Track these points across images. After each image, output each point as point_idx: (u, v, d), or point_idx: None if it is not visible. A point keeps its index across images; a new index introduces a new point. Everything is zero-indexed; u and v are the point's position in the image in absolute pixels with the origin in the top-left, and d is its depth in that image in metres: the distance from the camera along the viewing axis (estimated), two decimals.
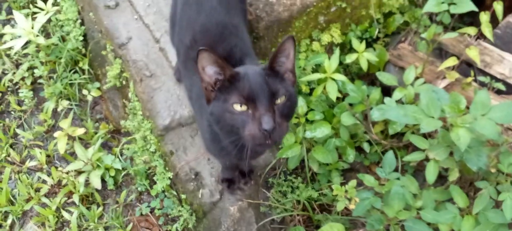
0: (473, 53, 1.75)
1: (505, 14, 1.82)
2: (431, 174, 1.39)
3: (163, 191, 2.02)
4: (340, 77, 1.76)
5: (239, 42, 1.52)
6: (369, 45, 2.11)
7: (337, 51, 1.80)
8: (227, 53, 1.46)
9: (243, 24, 1.66)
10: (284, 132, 1.20)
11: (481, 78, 1.86)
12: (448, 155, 1.39)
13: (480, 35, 1.83)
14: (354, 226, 1.79)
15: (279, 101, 1.20)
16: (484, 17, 1.74)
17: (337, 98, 1.83)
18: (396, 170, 1.58)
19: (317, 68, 1.99)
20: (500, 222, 1.33)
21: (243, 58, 1.47)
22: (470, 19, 2.17)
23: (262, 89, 1.17)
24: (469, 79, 1.79)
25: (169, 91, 2.03)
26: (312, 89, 1.97)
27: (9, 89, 2.54)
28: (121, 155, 2.22)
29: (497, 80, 1.85)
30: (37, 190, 2.17)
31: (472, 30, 1.75)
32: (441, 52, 2.03)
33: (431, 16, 1.96)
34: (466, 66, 1.95)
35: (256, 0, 1.87)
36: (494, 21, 1.80)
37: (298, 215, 1.85)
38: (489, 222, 1.36)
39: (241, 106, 1.18)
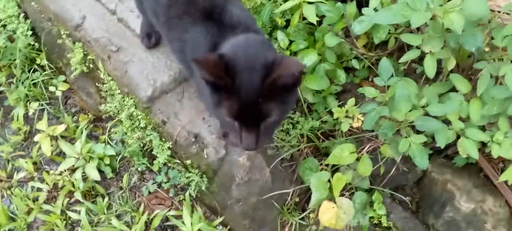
0: None
1: None
2: (430, 68, 1.38)
3: (165, 164, 1.97)
4: None
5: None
6: None
7: None
8: (210, 1, 1.35)
9: None
10: (265, 143, 1.19)
11: None
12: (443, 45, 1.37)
13: None
14: (361, 143, 1.80)
15: (269, 120, 1.15)
16: None
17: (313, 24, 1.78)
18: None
19: None
20: (505, 96, 1.35)
21: (226, 5, 1.36)
22: None
23: (251, 111, 1.11)
24: None
25: (142, 61, 1.92)
26: (287, 21, 1.89)
27: None
28: (111, 141, 2.14)
29: None
30: (35, 199, 2.08)
31: None
32: None
33: None
34: None
35: None
36: None
37: (305, 148, 1.85)
38: (494, 100, 1.38)
39: (229, 118, 1.15)
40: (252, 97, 1.09)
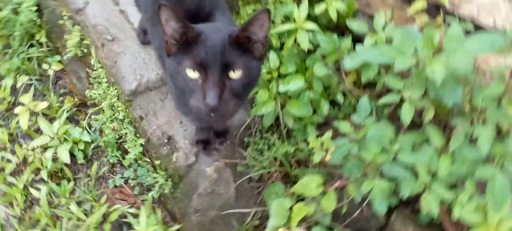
0: None
1: None
2: (406, 114, 1.37)
3: (136, 160, 1.95)
4: (311, 26, 1.71)
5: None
6: None
7: (305, 0, 1.75)
8: (196, 4, 1.38)
9: None
10: (231, 111, 1.15)
11: (450, 20, 1.84)
12: (423, 93, 1.36)
13: None
14: (331, 177, 1.78)
15: (234, 75, 1.13)
16: None
17: (309, 51, 1.79)
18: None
19: (287, 21, 1.92)
20: (476, 158, 1.33)
21: (213, 10, 1.39)
22: None
23: (216, 58, 1.10)
24: (439, 19, 1.77)
25: (134, 55, 1.93)
26: (283, 44, 1.91)
27: None
28: (90, 128, 2.13)
29: (466, 21, 1.84)
30: (2, 170, 2.06)
31: None
32: None
33: None
34: (436, 11, 1.94)
35: None
36: None
37: (275, 171, 1.82)
38: (465, 159, 1.36)
39: (193, 72, 1.12)
40: (219, 43, 1.11)
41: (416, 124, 1.61)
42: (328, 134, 1.63)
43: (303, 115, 1.73)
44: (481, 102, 1.33)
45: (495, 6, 1.72)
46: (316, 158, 1.62)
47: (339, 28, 2.12)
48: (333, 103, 1.91)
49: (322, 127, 1.91)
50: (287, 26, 1.72)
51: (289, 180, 1.86)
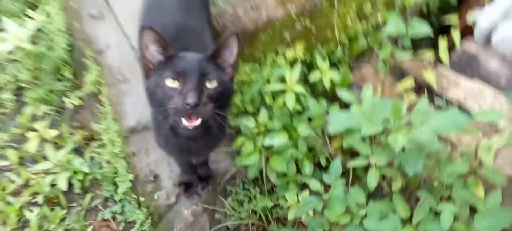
0: (429, 76, 1.79)
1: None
2: (372, 179, 1.38)
3: (125, 194, 2.01)
4: (300, 89, 1.78)
5: (197, 44, 1.56)
6: (335, 66, 2.14)
7: (298, 65, 1.84)
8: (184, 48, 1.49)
9: (204, 28, 1.71)
10: (208, 112, 1.21)
11: (438, 101, 1.86)
12: (389, 162, 1.37)
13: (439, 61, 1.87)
14: None
15: (209, 85, 1.24)
16: (442, 43, 1.80)
17: (299, 112, 1.84)
18: (348, 180, 1.55)
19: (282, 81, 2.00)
20: None
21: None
22: (428, 43, 2.20)
23: (193, 68, 1.23)
24: (422, 97, 1.80)
25: (139, 95, 2.05)
26: None
27: None
28: (92, 160, 2.23)
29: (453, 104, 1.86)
30: (4, 189, 2.18)
31: (429, 54, 1.80)
32: (402, 76, 2.05)
33: (396, 41, 2.00)
34: (427, 91, 1.96)
35: (224, 11, 1.92)
36: (453, 47, 1.85)
37: (253, 224, 1.81)
38: None
39: (172, 81, 1.22)
40: (195, 59, 1.26)
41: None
42: (306, 192, 1.63)
43: (284, 171, 1.75)
44: (446, 178, 1.31)
45: (481, 93, 1.73)
46: (290, 215, 1.61)
47: (335, 97, 2.18)
48: (319, 166, 1.91)
49: (305, 187, 1.90)
50: (279, 86, 1.80)
51: None
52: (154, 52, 1.27)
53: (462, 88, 1.83)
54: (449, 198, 1.36)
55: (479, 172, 1.37)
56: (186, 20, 1.63)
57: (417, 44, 2.24)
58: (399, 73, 2.01)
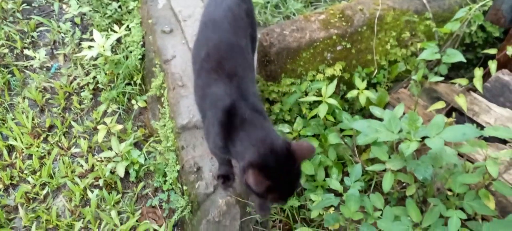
0: (461, 101, 1.85)
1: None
2: (387, 183, 1.47)
3: (172, 184, 2.24)
4: (333, 101, 1.92)
5: (243, 61, 1.76)
6: (374, 87, 2.26)
7: (334, 81, 1.99)
8: (232, 68, 1.68)
9: (249, 47, 1.91)
10: None
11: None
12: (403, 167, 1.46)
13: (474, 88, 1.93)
14: None
15: None
16: (478, 72, 1.87)
17: (333, 124, 1.98)
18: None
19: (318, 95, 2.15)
20: None
21: (244, 77, 1.68)
22: (469, 74, 2.25)
23: (289, 193, 1.47)
24: (450, 119, 1.85)
25: (193, 99, 2.31)
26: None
27: (75, 91, 3.02)
28: (148, 154, 2.52)
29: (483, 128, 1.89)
30: (73, 171, 2.52)
31: (463, 81, 1.87)
32: (436, 100, 2.11)
33: (431, 68, 2.09)
34: (459, 115, 2.01)
35: (272, 30, 2.14)
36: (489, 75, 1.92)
37: (280, 221, 1.94)
38: None
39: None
40: (288, 184, 1.43)
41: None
42: (330, 195, 1.74)
43: (311, 174, 1.88)
44: (458, 188, 1.38)
45: (510, 119, 1.76)
46: (314, 214, 1.73)
47: (371, 116, 2.29)
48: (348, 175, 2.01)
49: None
50: (314, 98, 1.96)
51: None
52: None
53: (493, 114, 1.87)
54: (462, 209, 1.41)
55: (492, 186, 1.42)
56: (235, 39, 1.81)
57: (459, 74, 2.31)
58: (434, 98, 2.08)
